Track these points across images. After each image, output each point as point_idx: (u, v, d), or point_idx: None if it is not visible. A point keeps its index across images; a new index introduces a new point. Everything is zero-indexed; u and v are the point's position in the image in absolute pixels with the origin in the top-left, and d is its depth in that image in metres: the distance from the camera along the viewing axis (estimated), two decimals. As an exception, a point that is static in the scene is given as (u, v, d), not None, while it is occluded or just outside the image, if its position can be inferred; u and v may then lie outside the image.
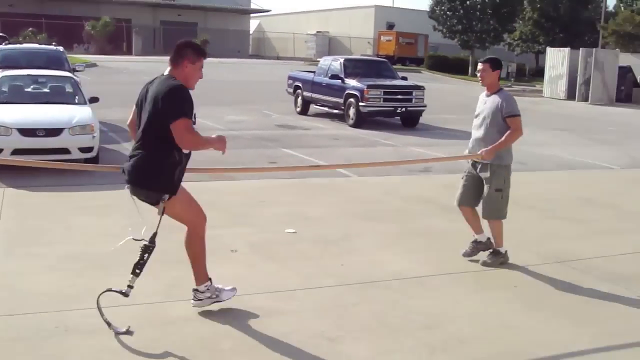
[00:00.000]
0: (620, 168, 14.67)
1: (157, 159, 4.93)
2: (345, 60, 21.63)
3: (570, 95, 36.60)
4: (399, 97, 19.89)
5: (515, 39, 54.68)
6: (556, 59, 38.45)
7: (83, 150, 10.96)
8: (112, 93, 23.59)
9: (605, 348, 5.21)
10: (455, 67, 54.64)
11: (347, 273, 6.48)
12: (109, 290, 5.11)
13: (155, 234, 5.06)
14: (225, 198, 9.57)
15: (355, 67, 21.25)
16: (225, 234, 7.62)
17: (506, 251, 7.12)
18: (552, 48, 40.36)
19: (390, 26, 66.27)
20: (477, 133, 7.00)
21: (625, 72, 37.28)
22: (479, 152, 6.82)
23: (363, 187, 10.85)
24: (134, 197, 5.11)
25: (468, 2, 52.87)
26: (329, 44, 71.20)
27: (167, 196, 4.99)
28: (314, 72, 22.69)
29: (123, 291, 5.09)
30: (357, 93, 19.30)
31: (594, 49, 37.42)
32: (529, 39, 53.45)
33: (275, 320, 5.34)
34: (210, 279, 5.40)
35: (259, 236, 7.68)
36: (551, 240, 8.17)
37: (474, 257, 7.15)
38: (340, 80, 20.28)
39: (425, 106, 20.32)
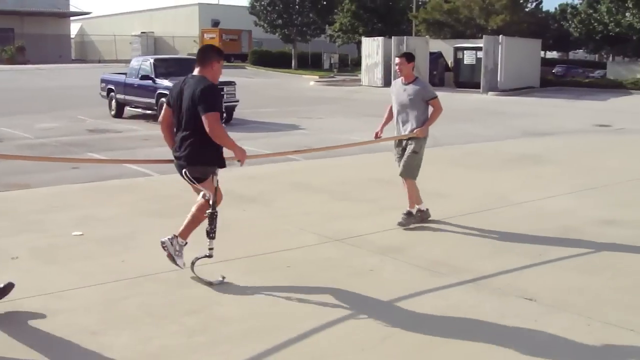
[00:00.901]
0: (419, 149, 15.51)
1: (206, 141, 5.91)
2: (155, 60, 21.51)
3: (387, 82, 38.05)
4: (211, 94, 20.01)
5: (336, 30, 56.09)
6: (371, 48, 39.98)
7: None
8: None
9: (353, 315, 5.68)
10: (279, 61, 55.61)
11: (126, 269, 6.65)
12: (197, 258, 6.33)
13: (214, 202, 6.17)
14: (16, 206, 9.46)
15: (167, 66, 21.10)
16: (9, 242, 7.59)
17: (427, 209, 8.63)
18: (367, 38, 41.89)
19: (216, 23, 66.35)
20: (401, 116, 8.47)
21: (436, 58, 39.38)
22: (414, 131, 8.28)
23: (163, 185, 10.95)
24: (190, 178, 6.14)
25: (287, -4, 53.91)
26: (154, 44, 70.37)
27: (218, 170, 6.14)
28: (126, 73, 22.45)
29: (207, 254, 6.29)
30: (168, 93, 19.21)
31: (405, 37, 39.19)
32: (349, 30, 54.91)
33: (43, 321, 5.42)
34: (186, 242, 6.42)
35: (44, 241, 7.66)
36: (333, 221, 8.66)
37: (424, 224, 8.52)
38: (151, 81, 20.19)
39: (237, 101, 20.62)
